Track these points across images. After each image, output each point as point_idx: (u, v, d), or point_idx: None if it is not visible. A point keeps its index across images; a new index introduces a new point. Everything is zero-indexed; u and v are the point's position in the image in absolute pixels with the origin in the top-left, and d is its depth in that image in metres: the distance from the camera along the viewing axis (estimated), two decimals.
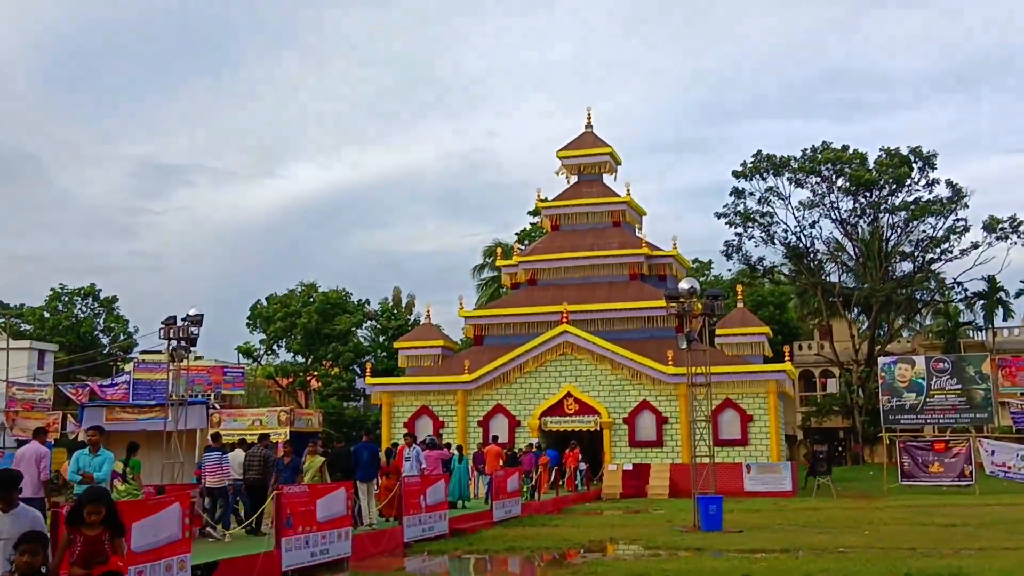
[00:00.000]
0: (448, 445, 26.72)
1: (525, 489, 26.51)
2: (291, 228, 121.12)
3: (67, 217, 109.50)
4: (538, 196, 43.01)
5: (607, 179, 43.21)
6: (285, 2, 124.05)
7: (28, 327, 55.95)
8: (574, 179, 43.00)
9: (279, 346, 58.16)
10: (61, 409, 41.69)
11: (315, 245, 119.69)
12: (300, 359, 57.21)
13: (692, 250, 57.85)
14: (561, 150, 42.75)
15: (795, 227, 53.65)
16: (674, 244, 41.02)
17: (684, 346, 22.78)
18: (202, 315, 25.85)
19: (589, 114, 43.46)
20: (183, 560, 11.58)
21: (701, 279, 55.90)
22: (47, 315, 57.28)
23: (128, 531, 10.70)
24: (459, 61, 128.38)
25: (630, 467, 34.85)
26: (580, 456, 32.82)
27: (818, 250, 54.94)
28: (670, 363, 34.77)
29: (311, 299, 56.35)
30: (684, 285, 22.88)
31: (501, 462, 26.32)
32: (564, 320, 36.76)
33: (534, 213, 54.82)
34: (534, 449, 31.17)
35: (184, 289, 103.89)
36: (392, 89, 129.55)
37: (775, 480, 33.00)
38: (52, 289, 58.66)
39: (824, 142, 52.86)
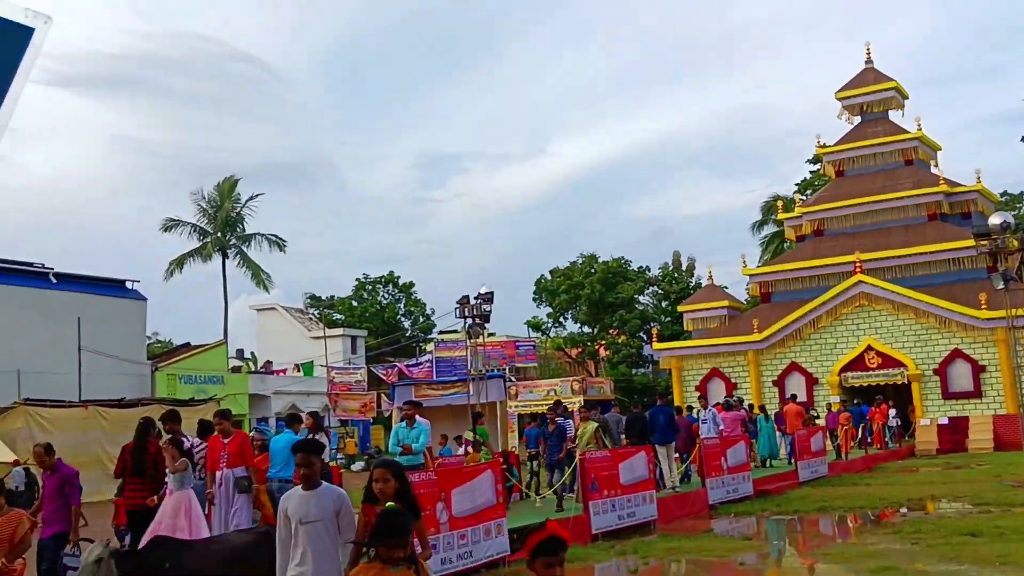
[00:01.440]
0: (750, 406, 26.18)
1: (831, 447, 25.51)
2: (566, 203, 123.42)
3: (362, 213, 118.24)
4: (818, 142, 40.87)
5: (893, 116, 40.25)
6: None
7: (340, 316, 61.06)
8: (856, 120, 40.41)
9: (565, 318, 59.56)
10: (375, 389, 45.06)
11: (591, 217, 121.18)
12: (587, 329, 58.27)
13: (998, 184, 52.65)
14: (840, 91, 40.29)
15: None
16: (978, 178, 37.47)
17: (1001, 286, 20.80)
18: (492, 292, 26.94)
19: (868, 49, 40.63)
20: (500, 524, 12.12)
21: (1013, 213, 50.72)
22: (355, 304, 62.21)
23: (448, 497, 11.40)
24: (719, 15, 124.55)
25: (945, 421, 32.40)
26: (889, 412, 30.99)
27: None
28: (983, 307, 31.80)
29: (592, 270, 57.14)
30: (995, 220, 20.88)
31: (801, 421, 25.43)
32: (857, 270, 34.72)
33: (814, 161, 52.17)
34: (835, 407, 29.88)
35: (471, 270, 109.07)
36: (653, 53, 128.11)
37: None
38: (357, 279, 63.62)
39: None
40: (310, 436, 12.53)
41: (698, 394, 33.76)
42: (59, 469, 9.36)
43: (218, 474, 11.11)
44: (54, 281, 35.59)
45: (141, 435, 10.69)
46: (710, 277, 41.59)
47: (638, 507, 15.51)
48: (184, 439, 10.87)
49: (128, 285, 39.07)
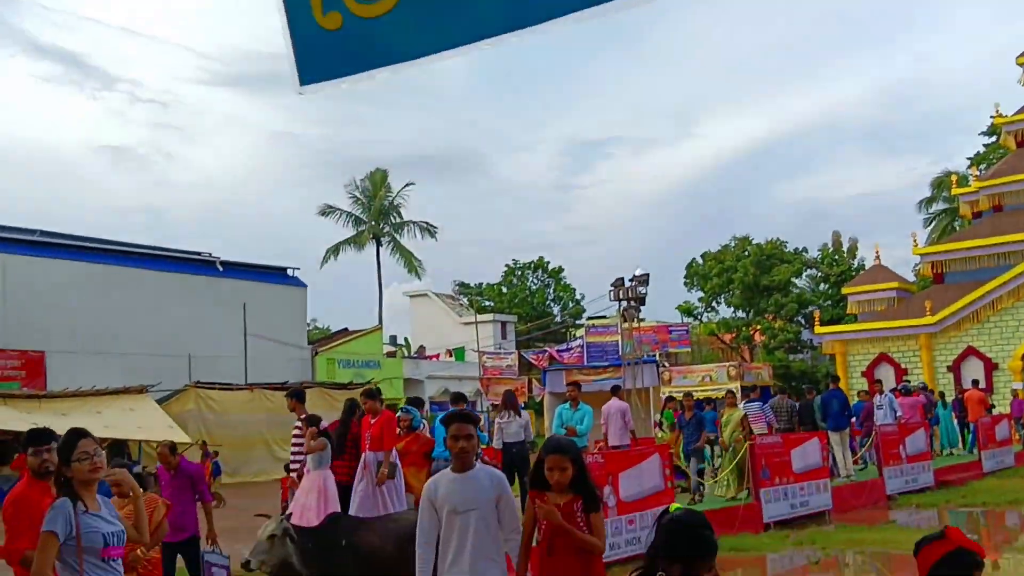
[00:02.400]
0: (932, 391, 24.63)
1: (1018, 437, 23.73)
2: (716, 185, 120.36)
3: (510, 201, 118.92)
4: (996, 112, 38.09)
5: None
6: None
7: (490, 302, 61.51)
8: None
9: (718, 302, 58.02)
10: (525, 375, 45.09)
11: (742, 199, 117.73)
12: (740, 314, 56.57)
13: None
14: (1022, 55, 37.35)
15: None
16: None
17: None
18: (648, 274, 26.30)
19: None
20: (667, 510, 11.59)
21: None
22: (504, 290, 62.51)
23: (616, 481, 10.93)
24: None
25: None
26: None
27: None
28: None
29: (746, 252, 55.39)
30: None
31: (985, 408, 23.70)
32: None
33: (989, 133, 48.80)
34: (1020, 394, 27.80)
35: (619, 256, 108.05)
36: (808, 27, 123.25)
37: None
38: (506, 265, 63.83)
39: None
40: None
41: (865, 380, 32.15)
42: (184, 468, 9.05)
43: (363, 456, 10.82)
44: (221, 269, 37.10)
45: (346, 416, 10.81)
46: (877, 257, 39.44)
47: (812, 496, 14.67)
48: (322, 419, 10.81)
49: (289, 272, 40.38)
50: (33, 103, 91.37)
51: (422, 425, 10.85)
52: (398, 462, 10.64)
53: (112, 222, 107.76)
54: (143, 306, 32.41)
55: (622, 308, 25.73)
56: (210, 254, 38.22)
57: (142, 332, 31.64)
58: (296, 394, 11.34)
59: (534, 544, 4.95)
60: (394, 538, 6.92)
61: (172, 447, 9.21)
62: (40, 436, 5.21)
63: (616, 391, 15.75)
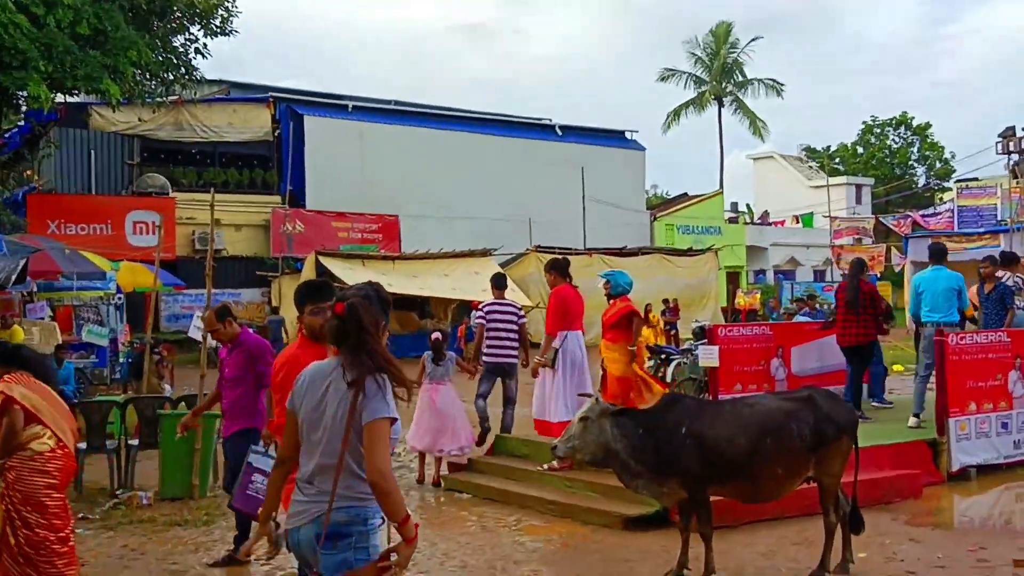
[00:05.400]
0: None
1: None
2: None
3: (863, 58, 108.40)
4: None
5: None
6: None
7: (840, 165, 56.81)
8: None
9: None
10: (883, 242, 41.21)
11: None
12: None
13: None
14: None
15: None
16: None
17: None
18: None
19: None
20: None
21: None
22: (860, 150, 57.36)
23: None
24: None
25: None
26: None
27: None
28: None
29: None
30: None
31: None
32: None
33: None
34: None
35: (995, 114, 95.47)
36: None
37: None
38: (864, 123, 58.27)
39: None
40: None
41: None
42: (244, 342, 6.71)
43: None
44: (559, 133, 36.93)
45: (856, 273, 10.43)
46: None
47: None
48: None
49: (627, 136, 39.37)
50: None
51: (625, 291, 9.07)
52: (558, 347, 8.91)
53: (465, 97, 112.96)
54: (487, 171, 33.07)
55: (1012, 163, 21.92)
56: (550, 120, 38.14)
57: (486, 197, 32.32)
58: (497, 278, 10.11)
59: None
60: (750, 428, 5.58)
61: (221, 311, 6.79)
62: (319, 290, 4.31)
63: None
